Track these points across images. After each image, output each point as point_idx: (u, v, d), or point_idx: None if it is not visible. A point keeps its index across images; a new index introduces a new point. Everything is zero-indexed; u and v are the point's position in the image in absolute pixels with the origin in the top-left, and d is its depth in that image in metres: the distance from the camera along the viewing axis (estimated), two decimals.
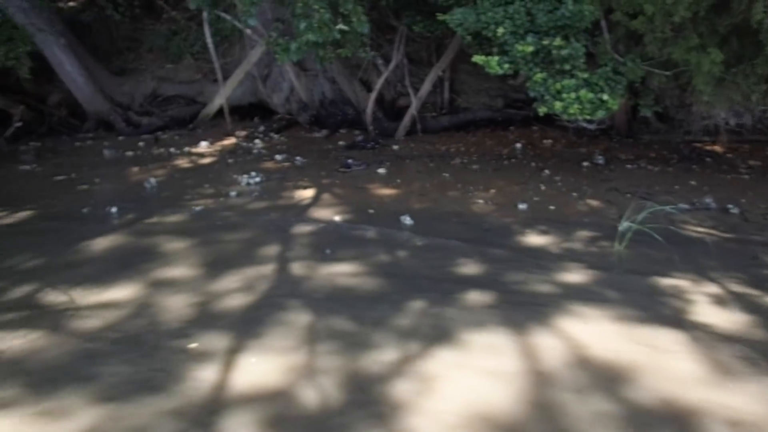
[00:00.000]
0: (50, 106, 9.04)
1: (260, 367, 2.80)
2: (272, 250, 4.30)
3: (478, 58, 5.75)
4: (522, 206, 5.16)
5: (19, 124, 8.25)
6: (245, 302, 3.47)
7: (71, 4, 9.71)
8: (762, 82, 5.55)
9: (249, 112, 9.15)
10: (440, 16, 5.93)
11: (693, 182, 5.65)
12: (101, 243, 4.46)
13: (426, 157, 6.97)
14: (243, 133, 8.33)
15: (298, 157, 6.97)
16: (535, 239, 4.46)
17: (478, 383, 2.66)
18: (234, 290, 3.62)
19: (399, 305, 3.39)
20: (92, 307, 3.42)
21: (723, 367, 2.73)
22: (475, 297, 3.49)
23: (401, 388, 2.63)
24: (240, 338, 3.06)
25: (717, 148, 6.79)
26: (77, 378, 2.75)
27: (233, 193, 5.67)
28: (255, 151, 7.47)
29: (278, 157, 7.06)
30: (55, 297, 3.57)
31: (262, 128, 8.54)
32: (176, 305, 3.43)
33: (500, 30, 5.62)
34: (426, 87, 8.06)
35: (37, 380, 2.74)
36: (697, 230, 4.50)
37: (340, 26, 6.08)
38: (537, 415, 2.46)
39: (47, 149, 7.84)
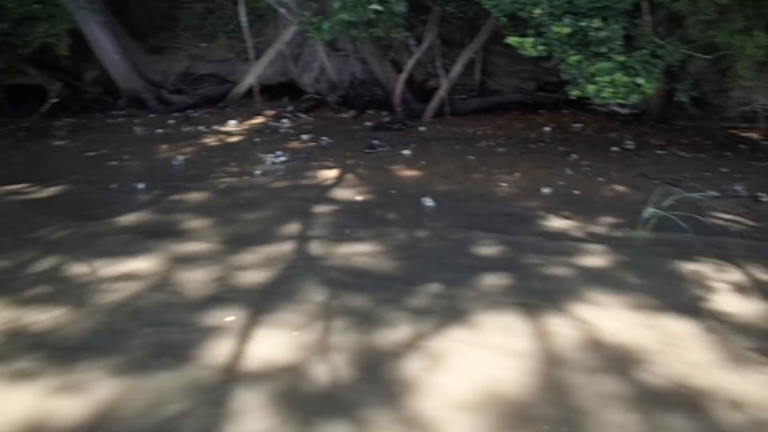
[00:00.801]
0: (86, 84, 9.27)
1: (274, 343, 2.87)
2: (293, 228, 4.36)
3: (511, 40, 5.66)
4: (546, 190, 5.10)
5: (55, 100, 8.50)
6: (263, 279, 3.54)
7: None
8: None
9: (278, 91, 9.20)
10: None
11: (725, 169, 5.48)
12: (127, 218, 4.58)
13: (452, 140, 6.93)
14: (271, 112, 8.39)
15: (324, 138, 7.00)
16: (557, 223, 4.41)
17: (490, 361, 2.67)
18: (253, 267, 3.69)
19: (415, 285, 3.41)
20: (115, 280, 3.53)
21: (735, 354, 2.68)
22: (493, 280, 3.49)
23: (412, 365, 2.66)
24: (256, 314, 3.13)
25: (753, 135, 6.57)
26: (98, 352, 2.82)
27: (258, 172, 5.75)
28: (282, 130, 7.53)
29: (304, 137, 7.11)
30: (79, 269, 3.69)
31: (290, 108, 8.60)
32: (195, 280, 3.52)
33: (537, 11, 5.50)
34: (457, 68, 7.97)
35: (60, 354, 2.81)
36: (724, 218, 4.38)
37: (375, 6, 6.04)
38: (546, 393, 2.47)
39: (81, 126, 8.04)
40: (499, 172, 5.64)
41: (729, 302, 3.16)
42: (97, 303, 3.28)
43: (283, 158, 6.13)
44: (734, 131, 6.67)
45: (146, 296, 3.34)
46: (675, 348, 2.76)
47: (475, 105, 8.31)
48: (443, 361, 2.69)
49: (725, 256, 3.73)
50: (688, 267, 3.58)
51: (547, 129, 7.25)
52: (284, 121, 7.93)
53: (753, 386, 2.48)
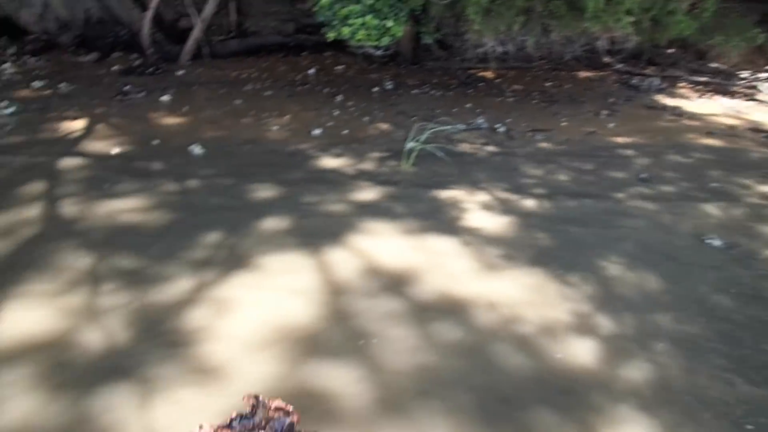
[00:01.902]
0: None
1: (33, 316, 2.48)
2: (38, 189, 3.75)
3: None
4: (316, 131, 5.19)
5: None
6: (9, 249, 3.00)
7: None
8: (521, 14, 6.16)
9: None
10: None
11: (468, 105, 6.19)
12: None
13: (215, 84, 6.58)
14: None
15: (62, 84, 6.06)
16: (329, 162, 4.53)
17: (276, 301, 2.69)
18: None
19: (191, 238, 3.22)
20: None
21: (487, 263, 3.12)
22: (272, 223, 3.47)
23: (195, 315, 2.55)
24: (4, 287, 2.66)
25: (488, 74, 7.50)
26: None
27: None
28: (4, 77, 6.30)
29: (37, 83, 6.07)
30: None
31: (12, 50, 7.22)
32: None
33: None
34: (210, 8, 7.47)
35: None
36: (471, 147, 4.98)
37: None
38: (333, 321, 2.58)
39: None
40: (268, 116, 5.55)
41: (479, 219, 3.63)
42: None
43: (11, 110, 5.16)
44: (473, 71, 7.53)
45: None
46: (440, 264, 3.10)
47: (235, 47, 7.96)
48: (229, 308, 2.63)
49: (474, 180, 4.25)
50: (446, 192, 4.00)
51: (311, 71, 7.31)
52: (6, 65, 6.63)
53: (502, 288, 2.91)
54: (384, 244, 3.27)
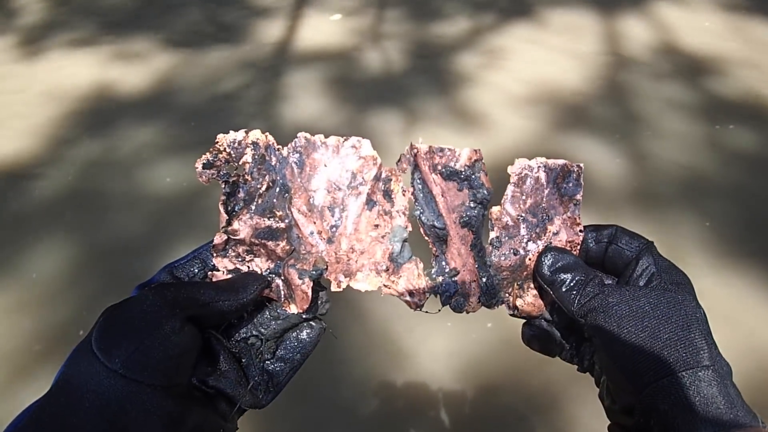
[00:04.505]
0: None
1: (326, 27, 2.73)
2: None
3: None
4: None
5: None
6: None
7: None
8: None
9: None
10: None
11: None
12: None
13: None
14: None
15: None
16: None
17: (550, 61, 2.52)
18: None
19: None
20: None
21: None
22: None
23: (468, 61, 2.54)
24: None
25: None
26: (149, 25, 2.80)
27: None
28: None
29: None
30: None
31: None
32: None
33: None
34: None
35: (111, 23, 2.82)
36: None
37: None
38: (605, 96, 2.37)
39: None
40: None
41: None
42: None
43: None
44: None
45: None
46: (757, 60, 2.52)
47: None
48: (500, 58, 2.55)
49: None
50: None
51: None
52: None
53: None
54: (692, 21, 2.73)
